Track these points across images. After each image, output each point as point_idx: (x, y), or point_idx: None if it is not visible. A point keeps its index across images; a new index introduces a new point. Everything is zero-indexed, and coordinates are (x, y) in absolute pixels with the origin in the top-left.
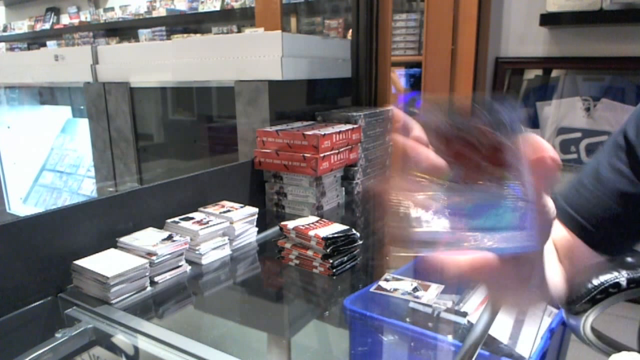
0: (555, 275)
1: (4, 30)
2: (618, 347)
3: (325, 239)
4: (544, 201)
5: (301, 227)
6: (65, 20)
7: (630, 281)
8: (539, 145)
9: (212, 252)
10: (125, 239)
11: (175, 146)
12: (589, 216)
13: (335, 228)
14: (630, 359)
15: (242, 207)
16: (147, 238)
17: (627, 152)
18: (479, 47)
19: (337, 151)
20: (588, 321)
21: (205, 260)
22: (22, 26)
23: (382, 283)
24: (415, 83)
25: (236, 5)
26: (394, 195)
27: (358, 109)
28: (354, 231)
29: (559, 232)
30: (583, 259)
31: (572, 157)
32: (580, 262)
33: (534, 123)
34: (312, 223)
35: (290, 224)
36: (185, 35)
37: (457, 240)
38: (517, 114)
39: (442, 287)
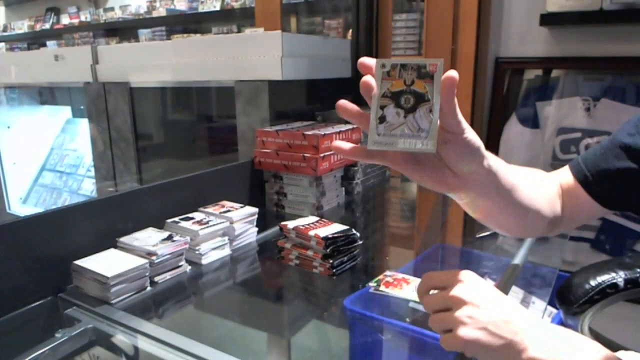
0: (540, 199)
1: (4, 30)
2: (616, 348)
3: (325, 239)
4: (452, 119)
5: (301, 227)
6: (65, 20)
7: (627, 281)
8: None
9: (212, 252)
10: (125, 239)
11: (175, 146)
12: (592, 167)
13: (335, 228)
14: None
15: (242, 207)
16: (147, 238)
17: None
18: (479, 47)
19: None
20: (586, 322)
21: (205, 260)
22: (22, 26)
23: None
24: None
25: (236, 5)
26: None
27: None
28: (354, 231)
29: (567, 177)
30: (581, 203)
31: (572, 157)
32: (579, 205)
33: (534, 123)
34: (312, 223)
35: (290, 224)
36: (185, 35)
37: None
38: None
39: None
